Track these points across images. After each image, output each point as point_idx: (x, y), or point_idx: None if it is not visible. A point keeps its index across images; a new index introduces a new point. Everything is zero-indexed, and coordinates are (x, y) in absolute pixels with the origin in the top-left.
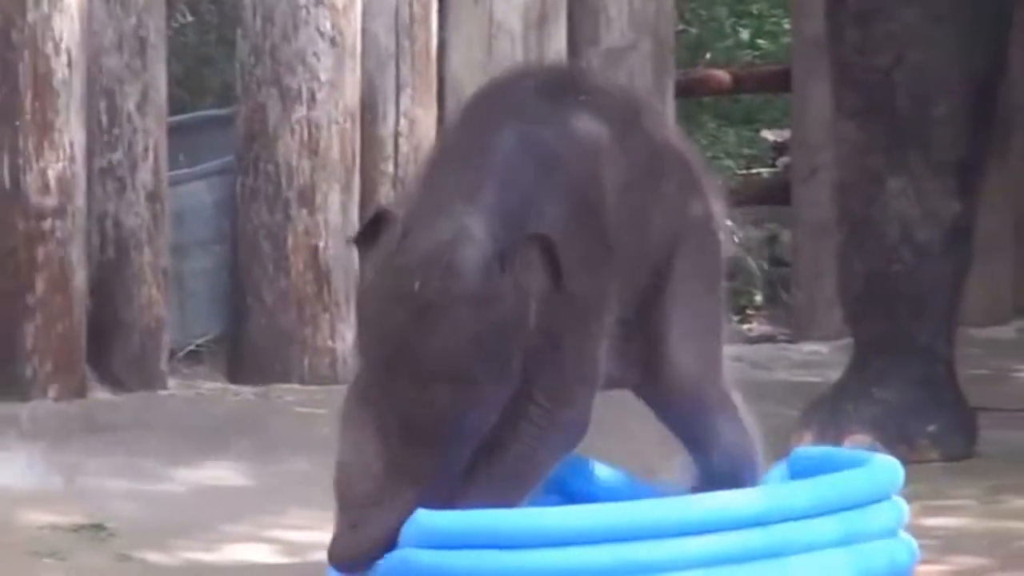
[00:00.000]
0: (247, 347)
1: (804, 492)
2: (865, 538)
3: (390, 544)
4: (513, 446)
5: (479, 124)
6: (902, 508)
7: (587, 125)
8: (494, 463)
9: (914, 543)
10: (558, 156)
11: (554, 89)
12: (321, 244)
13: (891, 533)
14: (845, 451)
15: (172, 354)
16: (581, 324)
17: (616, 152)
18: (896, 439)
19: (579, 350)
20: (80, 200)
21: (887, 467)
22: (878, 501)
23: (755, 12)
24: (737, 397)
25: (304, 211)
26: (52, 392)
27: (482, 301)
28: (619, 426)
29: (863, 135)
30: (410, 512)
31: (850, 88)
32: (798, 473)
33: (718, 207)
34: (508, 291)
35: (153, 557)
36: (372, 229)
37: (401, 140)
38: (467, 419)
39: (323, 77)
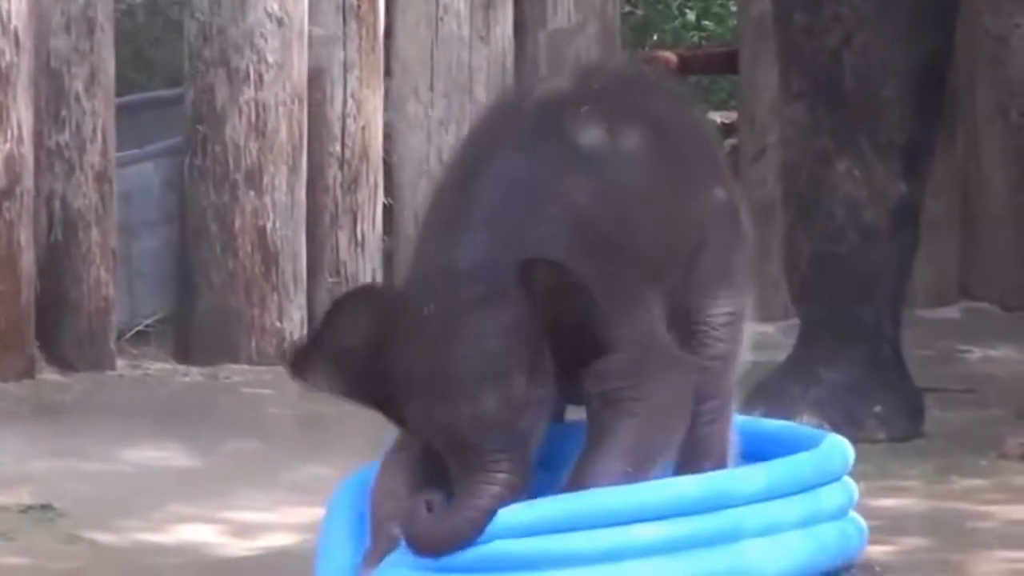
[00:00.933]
0: (195, 327)
1: (758, 476)
2: (817, 520)
3: (477, 534)
4: (623, 423)
5: (486, 144)
6: (852, 489)
7: (601, 138)
8: (613, 443)
9: (863, 523)
10: (562, 175)
11: (571, 102)
12: (269, 225)
13: (842, 514)
14: (799, 426)
15: (120, 335)
16: (625, 323)
17: (637, 157)
18: (842, 420)
19: (633, 341)
20: (28, 181)
21: (839, 449)
22: (830, 483)
23: None
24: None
25: (251, 192)
26: (0, 373)
27: (495, 311)
28: None
29: (810, 117)
30: (498, 505)
31: (798, 70)
32: (753, 444)
33: (737, 195)
34: (518, 301)
35: (102, 537)
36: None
37: (348, 121)
38: (519, 413)
39: (271, 59)
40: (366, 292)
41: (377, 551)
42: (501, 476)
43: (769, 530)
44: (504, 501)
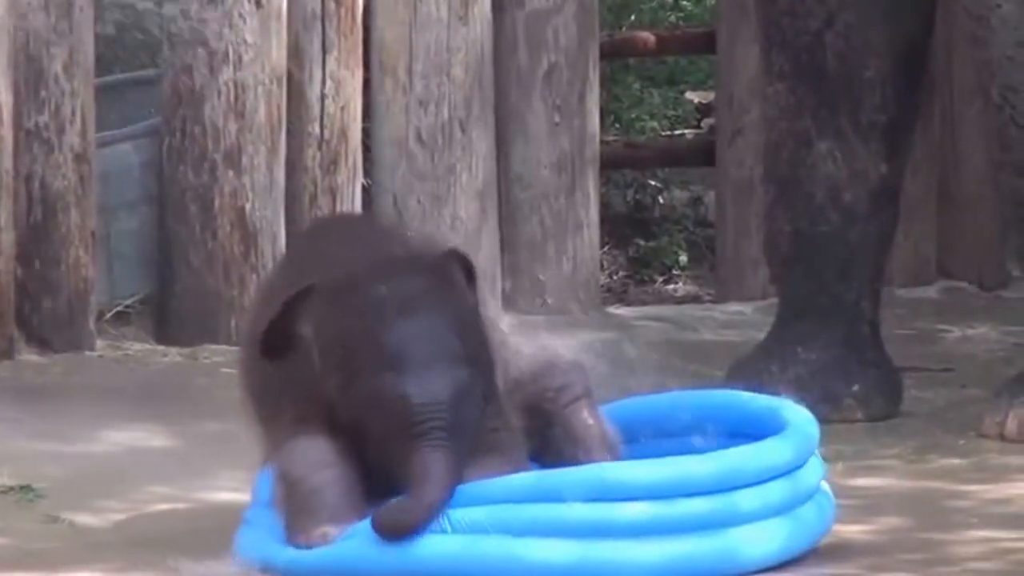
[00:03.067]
0: (174, 308)
1: (727, 463)
2: (797, 499)
3: (439, 513)
4: None
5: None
6: (821, 463)
7: None
8: None
9: (831, 492)
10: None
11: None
12: (248, 205)
13: (816, 489)
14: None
15: (100, 315)
16: None
17: None
18: (820, 399)
19: None
20: (7, 162)
21: (808, 428)
22: (803, 464)
23: None
24: None
25: (230, 172)
26: None
27: (447, 298)
28: None
29: (792, 97)
30: (454, 484)
31: (780, 51)
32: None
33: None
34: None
35: (81, 518)
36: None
37: (327, 102)
38: (467, 395)
39: (249, 39)
40: (308, 288)
41: (314, 518)
42: (444, 459)
43: (748, 517)
44: (453, 485)
